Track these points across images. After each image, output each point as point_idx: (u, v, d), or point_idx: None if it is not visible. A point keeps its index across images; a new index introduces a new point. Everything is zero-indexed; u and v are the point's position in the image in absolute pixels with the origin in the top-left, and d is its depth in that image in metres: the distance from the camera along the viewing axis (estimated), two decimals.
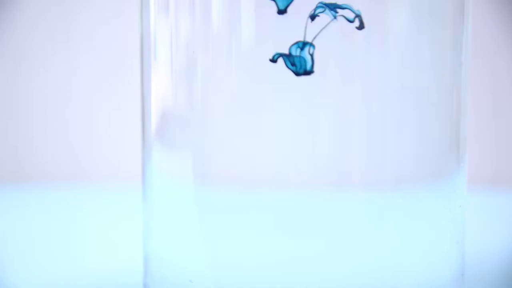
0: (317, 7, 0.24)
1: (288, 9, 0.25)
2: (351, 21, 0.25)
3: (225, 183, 0.26)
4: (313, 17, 0.24)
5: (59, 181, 0.63)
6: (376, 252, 0.26)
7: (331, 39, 0.25)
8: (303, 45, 0.25)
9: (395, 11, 0.25)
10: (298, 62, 0.24)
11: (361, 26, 0.25)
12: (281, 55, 0.25)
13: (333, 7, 0.24)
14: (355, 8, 0.24)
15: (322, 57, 0.25)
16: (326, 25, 0.25)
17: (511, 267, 0.37)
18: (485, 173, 0.62)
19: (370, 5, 0.25)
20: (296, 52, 0.25)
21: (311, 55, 0.25)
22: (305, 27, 0.25)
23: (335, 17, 0.24)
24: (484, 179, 0.61)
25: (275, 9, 0.25)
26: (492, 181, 0.61)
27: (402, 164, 0.26)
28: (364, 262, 0.26)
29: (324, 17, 0.25)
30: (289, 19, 0.25)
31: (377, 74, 0.25)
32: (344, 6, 0.24)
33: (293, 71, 0.25)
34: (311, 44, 0.25)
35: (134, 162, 0.42)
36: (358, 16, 0.25)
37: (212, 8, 0.26)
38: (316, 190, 0.26)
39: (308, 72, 0.25)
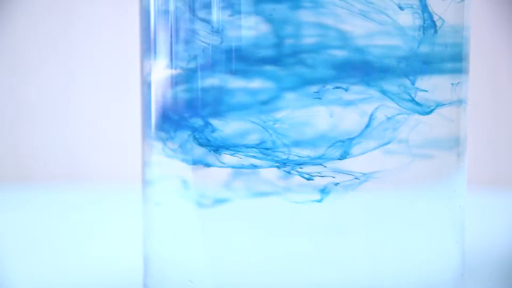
0: None
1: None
2: None
3: (223, 183, 0.26)
4: None
5: (59, 181, 0.63)
6: (376, 252, 0.26)
7: None
8: None
9: None
10: None
11: None
12: None
13: None
14: None
15: None
16: None
17: (511, 267, 0.37)
18: (485, 173, 0.62)
19: None
20: None
21: None
22: None
23: None
24: (484, 179, 0.61)
25: (274, 8, 0.25)
26: (492, 181, 0.61)
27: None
28: (364, 262, 0.26)
29: None
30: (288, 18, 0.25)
31: None
32: None
33: None
34: None
35: (134, 162, 0.42)
36: None
37: (212, 8, 0.26)
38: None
39: None
